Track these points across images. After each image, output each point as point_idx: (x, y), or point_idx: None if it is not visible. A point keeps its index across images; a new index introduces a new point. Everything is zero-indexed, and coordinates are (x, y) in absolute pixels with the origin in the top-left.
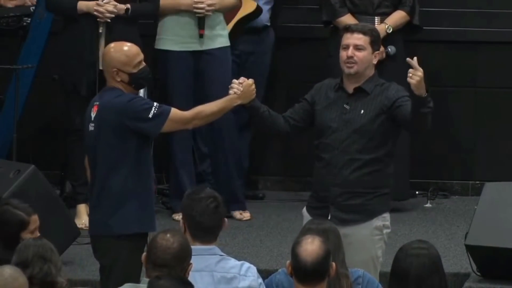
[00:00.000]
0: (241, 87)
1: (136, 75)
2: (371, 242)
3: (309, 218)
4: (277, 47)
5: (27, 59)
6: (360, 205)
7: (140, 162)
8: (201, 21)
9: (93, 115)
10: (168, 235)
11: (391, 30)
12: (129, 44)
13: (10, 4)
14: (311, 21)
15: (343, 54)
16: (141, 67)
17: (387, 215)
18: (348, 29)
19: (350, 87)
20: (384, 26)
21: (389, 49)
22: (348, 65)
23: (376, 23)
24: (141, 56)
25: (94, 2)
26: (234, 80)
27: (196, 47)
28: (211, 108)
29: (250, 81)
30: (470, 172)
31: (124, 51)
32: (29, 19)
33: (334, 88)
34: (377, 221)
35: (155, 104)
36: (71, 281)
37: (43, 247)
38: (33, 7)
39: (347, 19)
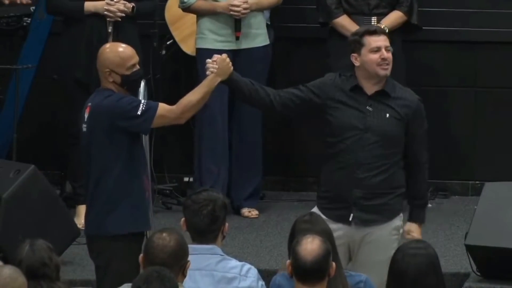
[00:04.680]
0: (216, 64)
1: (129, 78)
2: (389, 242)
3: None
4: (276, 47)
5: (27, 59)
6: (382, 205)
7: (132, 161)
8: (237, 24)
9: (86, 116)
10: (165, 234)
11: (387, 30)
12: (124, 45)
13: (6, 1)
14: (310, 21)
15: (375, 56)
16: (134, 70)
17: (402, 215)
18: (373, 32)
19: (371, 89)
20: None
21: None
22: (384, 67)
23: (372, 23)
24: (136, 59)
25: (103, 2)
26: (208, 60)
27: (233, 46)
28: (196, 96)
29: (224, 55)
30: (470, 172)
31: (119, 52)
32: (29, 19)
33: (347, 87)
34: (396, 221)
35: (142, 101)
36: (71, 281)
37: (36, 258)
38: (33, 7)
39: (343, 20)
